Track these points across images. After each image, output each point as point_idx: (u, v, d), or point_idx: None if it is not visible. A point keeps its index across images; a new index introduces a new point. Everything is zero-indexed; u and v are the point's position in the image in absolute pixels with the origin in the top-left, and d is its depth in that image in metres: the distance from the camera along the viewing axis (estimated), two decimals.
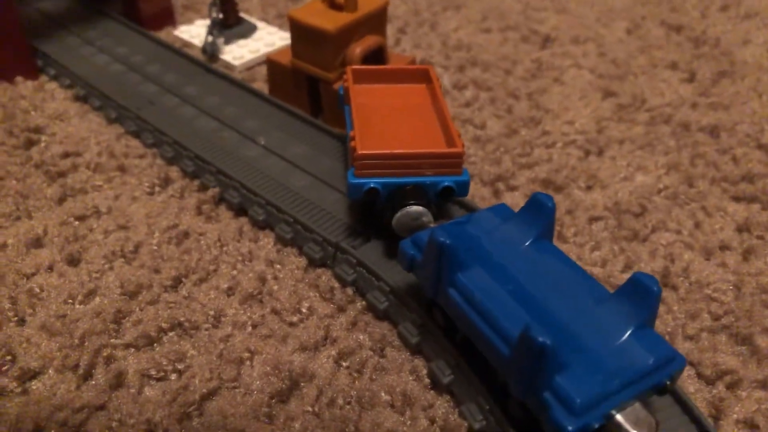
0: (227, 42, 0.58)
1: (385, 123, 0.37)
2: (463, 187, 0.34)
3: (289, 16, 0.45)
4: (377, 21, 0.47)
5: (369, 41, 0.46)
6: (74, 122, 0.49)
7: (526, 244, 0.29)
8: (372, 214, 0.36)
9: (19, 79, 0.54)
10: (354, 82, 0.40)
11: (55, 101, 0.52)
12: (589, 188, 0.43)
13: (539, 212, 0.29)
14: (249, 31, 0.59)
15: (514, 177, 0.44)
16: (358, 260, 0.35)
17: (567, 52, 0.59)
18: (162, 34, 0.62)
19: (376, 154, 0.33)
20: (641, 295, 0.25)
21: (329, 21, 0.44)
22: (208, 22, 0.62)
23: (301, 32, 0.45)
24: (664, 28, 0.64)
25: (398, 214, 0.33)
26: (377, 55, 0.47)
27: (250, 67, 0.57)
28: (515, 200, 0.42)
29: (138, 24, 0.61)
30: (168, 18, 0.63)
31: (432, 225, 0.33)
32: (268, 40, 0.59)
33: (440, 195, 0.34)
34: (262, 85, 0.54)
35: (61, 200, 0.42)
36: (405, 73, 0.42)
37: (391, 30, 0.63)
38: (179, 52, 0.55)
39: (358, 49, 0.45)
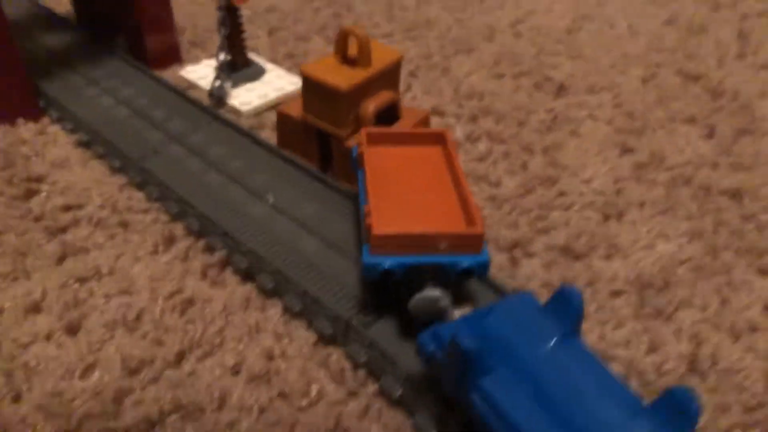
0: (235, 85, 0.56)
1: (402, 194, 0.35)
2: (483, 267, 0.32)
3: (302, 71, 0.44)
4: (391, 75, 0.46)
5: (382, 98, 0.45)
6: (76, 171, 0.48)
7: (553, 342, 0.27)
8: (386, 290, 0.35)
9: (20, 121, 0.52)
10: (369, 145, 0.39)
11: (57, 146, 0.50)
12: (609, 257, 0.41)
13: (566, 307, 0.28)
14: (258, 73, 0.58)
15: (531, 243, 0.42)
16: (371, 340, 0.33)
17: (582, 103, 0.58)
18: (168, 74, 0.61)
19: (393, 235, 0.31)
20: (679, 411, 0.24)
21: (342, 78, 0.43)
22: (214, 62, 0.60)
23: (313, 88, 0.44)
24: (681, 77, 0.63)
25: (416, 299, 0.31)
26: (390, 111, 0.46)
27: (258, 113, 0.55)
28: (533, 268, 0.40)
29: (144, 62, 0.60)
30: (174, 56, 0.62)
31: (449, 310, 0.31)
32: (277, 84, 0.57)
33: (459, 276, 0.32)
34: (270, 134, 0.53)
35: (60, 259, 0.40)
36: (421, 136, 0.40)
37: (402, 73, 0.62)
38: (185, 96, 0.54)
39: (371, 106, 0.44)
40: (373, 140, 0.39)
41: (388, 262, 0.32)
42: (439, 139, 0.40)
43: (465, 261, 0.32)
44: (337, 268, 0.38)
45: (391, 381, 0.32)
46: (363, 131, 0.39)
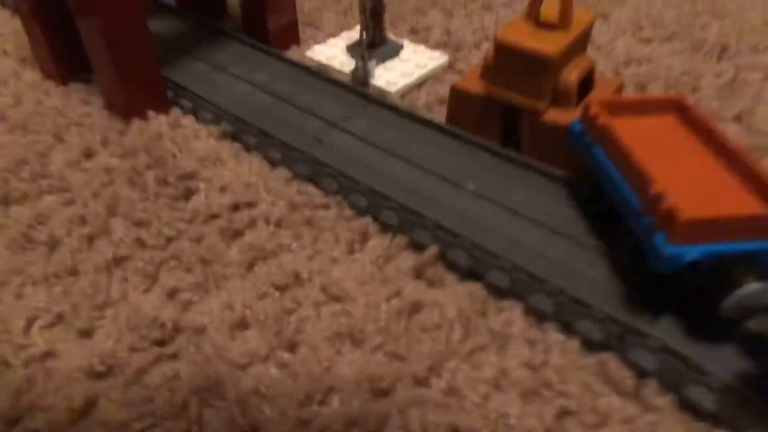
0: (377, 65, 0.51)
1: (676, 171, 0.30)
2: None
3: (499, 39, 0.38)
4: (585, 39, 0.41)
5: (583, 64, 0.40)
6: (230, 165, 0.43)
7: None
8: (670, 285, 0.30)
9: (150, 113, 0.47)
10: (607, 116, 0.34)
11: (200, 140, 0.45)
12: None
13: None
14: (395, 50, 0.53)
15: None
16: (664, 345, 0.28)
17: (753, 64, 0.53)
18: (293, 54, 0.56)
19: (703, 220, 0.27)
20: None
21: (548, 44, 0.37)
22: (340, 41, 0.55)
23: (511, 57, 0.38)
24: None
25: (737, 296, 0.26)
26: (586, 80, 0.41)
27: (406, 92, 0.50)
28: None
29: (264, 43, 0.55)
30: (294, 36, 0.57)
31: None
32: (418, 60, 0.52)
33: None
34: (423, 113, 0.48)
35: (251, 265, 0.36)
36: (656, 104, 0.35)
37: None
38: (328, 78, 0.49)
39: (574, 73, 0.39)
40: (609, 111, 0.34)
41: (696, 252, 0.27)
42: (677, 106, 0.35)
43: None
44: (581, 261, 0.33)
45: (700, 392, 0.27)
46: (596, 102, 0.34)
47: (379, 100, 0.46)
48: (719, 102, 0.48)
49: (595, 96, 0.40)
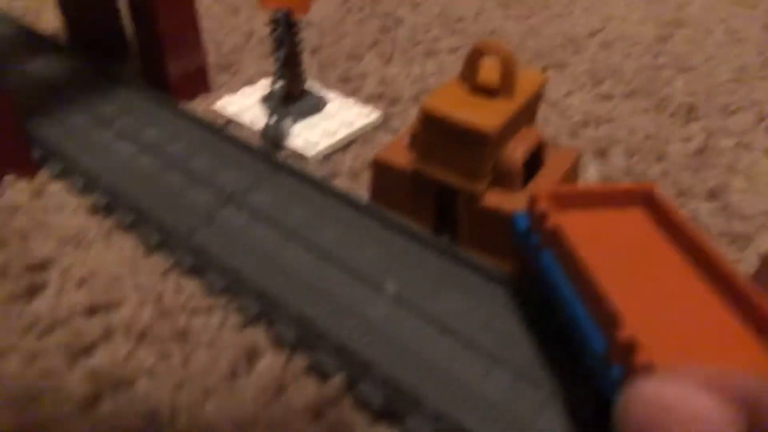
0: (293, 121, 0.43)
1: (644, 295, 0.23)
2: None
3: (426, 109, 0.31)
4: (533, 106, 0.34)
5: (529, 138, 0.32)
6: (96, 249, 0.34)
7: None
8: None
9: (9, 178, 0.38)
10: (559, 210, 0.26)
11: (65, 214, 0.37)
12: None
13: None
14: (319, 105, 0.45)
15: None
16: None
17: (723, 128, 0.47)
18: (198, 105, 0.47)
19: None
20: None
21: (485, 116, 0.30)
22: (256, 90, 0.47)
23: (442, 130, 0.31)
24: None
25: None
26: (535, 155, 0.34)
27: (328, 155, 0.42)
28: None
29: (165, 91, 0.46)
30: (202, 83, 0.49)
31: None
32: (345, 116, 0.45)
33: None
34: (346, 183, 0.40)
35: (94, 400, 0.27)
36: (619, 195, 0.28)
37: None
38: (232, 138, 0.40)
39: (518, 150, 0.31)
40: (561, 204, 0.27)
41: None
42: (644, 198, 0.28)
43: None
44: (527, 404, 0.25)
45: None
46: (543, 193, 0.27)
47: (291, 167, 0.38)
48: (689, 174, 0.41)
49: (544, 180, 0.33)
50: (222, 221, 0.34)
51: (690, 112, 0.48)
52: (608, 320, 0.21)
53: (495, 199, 0.31)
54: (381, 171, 0.35)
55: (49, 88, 0.46)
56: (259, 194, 0.36)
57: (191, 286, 0.32)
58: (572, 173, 0.35)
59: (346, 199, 0.35)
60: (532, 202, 0.27)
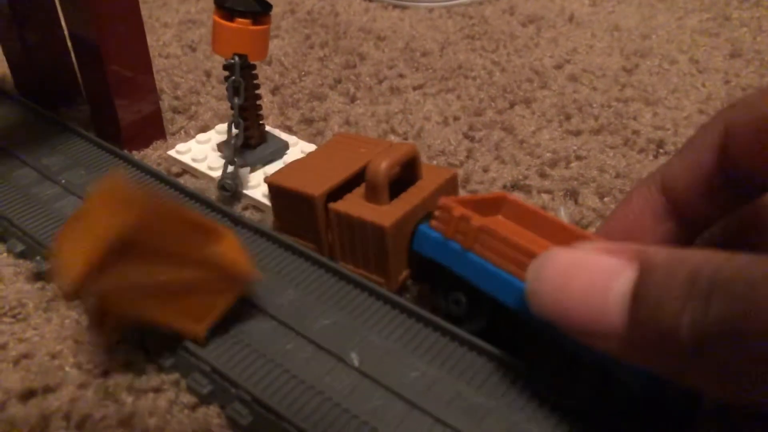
0: (252, 170, 0.41)
1: None
2: None
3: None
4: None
5: (398, 152, 0.32)
6: (35, 323, 0.32)
7: None
8: None
9: None
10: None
11: (2, 282, 0.34)
12: None
13: None
14: (279, 151, 0.43)
15: None
16: None
17: None
18: (151, 156, 0.45)
19: None
20: None
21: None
22: (216, 136, 0.45)
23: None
24: None
25: None
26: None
27: None
28: None
29: (116, 139, 0.44)
30: (156, 129, 0.47)
31: None
32: None
33: None
34: None
35: None
36: (484, 203, 0.29)
37: (457, 136, 0.48)
38: (187, 191, 0.38)
39: (383, 162, 0.30)
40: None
41: None
42: (503, 203, 0.30)
43: None
44: None
45: None
46: (448, 199, 0.28)
47: (246, 222, 0.35)
48: None
49: (413, 195, 0.32)
50: None
51: (659, 147, 0.48)
52: None
53: (343, 205, 0.31)
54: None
55: None
56: None
57: (140, 361, 0.29)
58: (445, 191, 0.34)
59: (307, 256, 0.33)
60: (445, 210, 0.27)
